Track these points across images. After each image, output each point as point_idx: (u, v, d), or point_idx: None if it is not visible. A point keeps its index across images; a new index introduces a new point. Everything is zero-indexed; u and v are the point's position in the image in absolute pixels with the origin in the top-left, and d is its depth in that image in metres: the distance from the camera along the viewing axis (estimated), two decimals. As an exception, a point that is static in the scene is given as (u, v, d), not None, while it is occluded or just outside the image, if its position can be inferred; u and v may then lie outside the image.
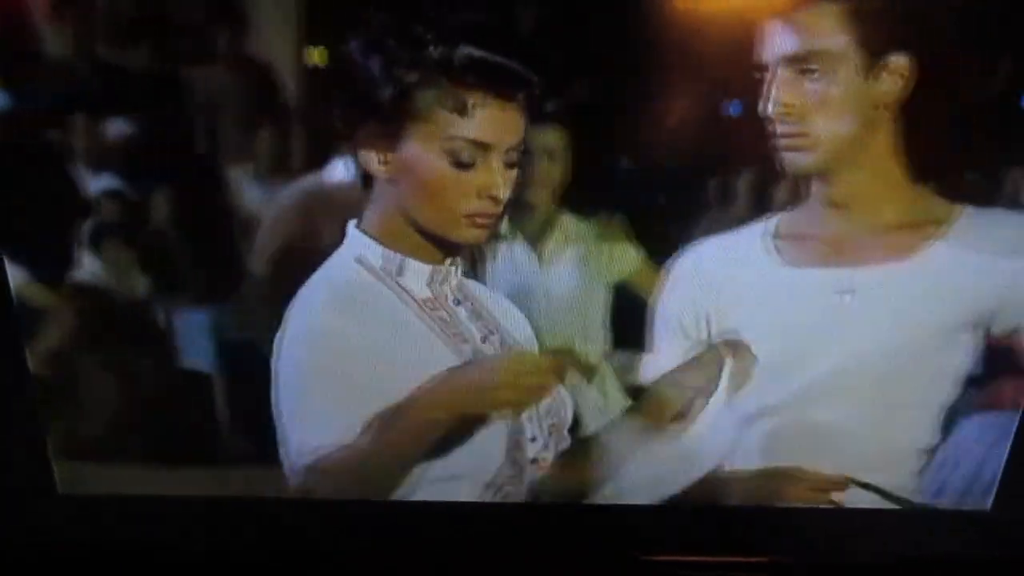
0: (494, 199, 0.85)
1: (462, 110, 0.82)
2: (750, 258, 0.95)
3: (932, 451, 1.00)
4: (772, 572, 1.07)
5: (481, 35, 0.81)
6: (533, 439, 0.93)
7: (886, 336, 0.93)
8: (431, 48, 0.81)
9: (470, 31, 0.81)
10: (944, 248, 0.92)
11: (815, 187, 0.92)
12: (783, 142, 0.88)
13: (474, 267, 0.97)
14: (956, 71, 0.86)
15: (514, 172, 0.88)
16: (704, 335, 0.98)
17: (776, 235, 0.95)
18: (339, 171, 0.95)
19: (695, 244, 0.96)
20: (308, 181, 0.96)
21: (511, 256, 0.98)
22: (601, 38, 0.89)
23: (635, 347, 1.00)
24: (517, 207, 0.97)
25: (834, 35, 0.84)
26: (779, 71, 0.86)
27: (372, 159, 0.86)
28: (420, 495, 0.93)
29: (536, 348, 0.97)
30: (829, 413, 0.96)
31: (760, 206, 0.95)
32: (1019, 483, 0.99)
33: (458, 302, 0.92)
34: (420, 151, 0.84)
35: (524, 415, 0.92)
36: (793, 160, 0.89)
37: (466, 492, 0.94)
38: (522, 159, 0.88)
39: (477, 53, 0.80)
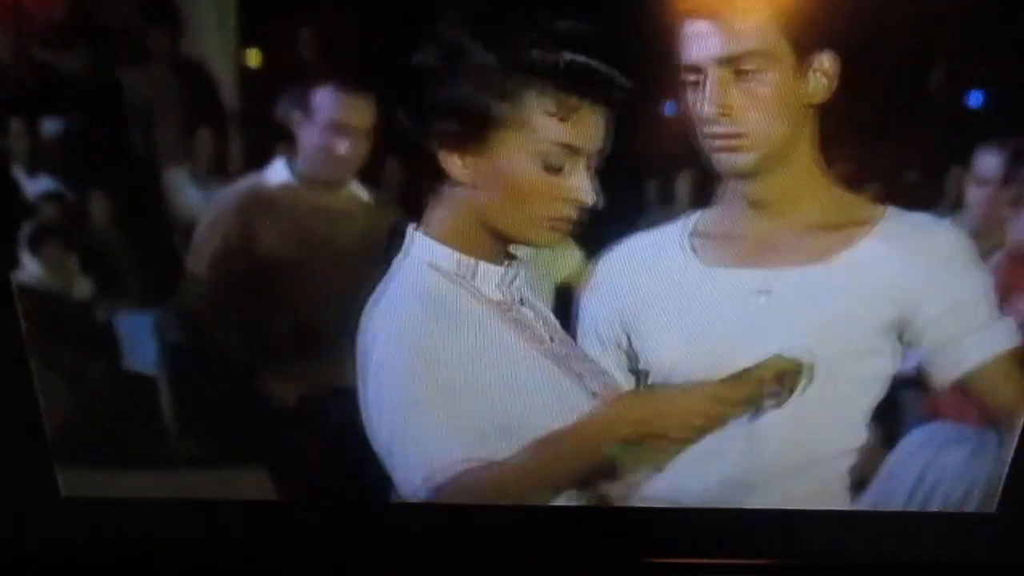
0: (581, 204, 0.86)
1: (563, 115, 0.82)
2: (668, 258, 0.94)
3: (859, 452, 1.00)
4: (776, 575, 1.07)
5: (583, 41, 0.81)
6: None
7: (803, 338, 0.93)
8: (534, 53, 0.81)
9: (574, 37, 0.81)
10: (863, 250, 0.92)
11: (736, 186, 0.92)
12: (718, 143, 0.88)
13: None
14: (879, 71, 0.87)
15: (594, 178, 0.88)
16: (616, 338, 0.97)
17: (694, 234, 0.95)
18: (279, 172, 0.96)
19: (616, 244, 0.96)
20: (245, 182, 0.96)
21: None
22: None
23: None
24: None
25: (767, 35, 0.84)
26: (714, 72, 0.86)
27: (455, 163, 0.86)
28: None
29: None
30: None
31: (681, 204, 0.95)
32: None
33: (523, 302, 0.93)
34: (512, 155, 0.84)
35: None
36: (728, 161, 0.89)
37: None
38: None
39: (581, 59, 0.80)
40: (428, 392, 0.88)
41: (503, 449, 0.91)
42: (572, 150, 0.84)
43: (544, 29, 0.81)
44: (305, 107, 0.92)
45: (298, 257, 0.98)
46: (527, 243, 0.90)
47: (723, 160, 0.89)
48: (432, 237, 0.90)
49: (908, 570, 1.09)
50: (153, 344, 1.04)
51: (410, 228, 0.91)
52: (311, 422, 1.06)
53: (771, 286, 0.92)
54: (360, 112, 0.91)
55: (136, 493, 1.07)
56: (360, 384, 0.93)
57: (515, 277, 0.92)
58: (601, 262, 0.96)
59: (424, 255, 0.90)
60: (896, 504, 1.04)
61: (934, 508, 1.02)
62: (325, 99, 0.92)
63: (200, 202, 0.97)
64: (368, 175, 0.95)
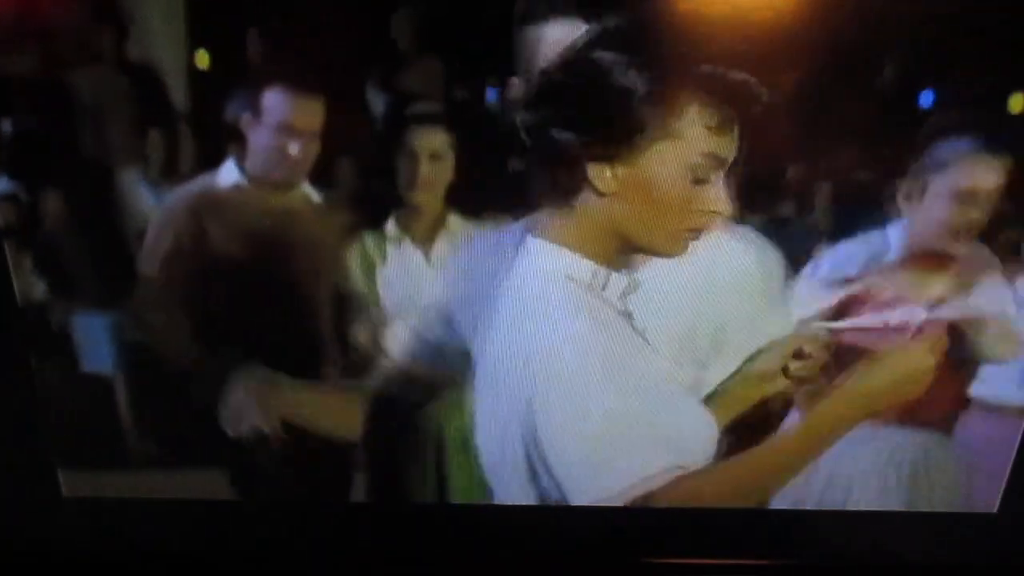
0: (718, 214, 0.86)
1: (721, 128, 0.83)
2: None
3: None
4: (777, 575, 1.07)
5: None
6: None
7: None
8: (704, 69, 0.82)
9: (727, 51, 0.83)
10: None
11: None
12: None
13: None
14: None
15: None
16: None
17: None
18: (229, 174, 0.96)
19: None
20: (196, 184, 0.96)
21: (400, 259, 0.99)
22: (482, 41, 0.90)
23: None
24: (403, 210, 0.98)
25: None
26: None
27: (604, 174, 0.85)
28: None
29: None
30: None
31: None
32: None
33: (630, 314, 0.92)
34: (663, 167, 0.84)
35: None
36: None
37: None
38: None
39: (742, 75, 0.81)
40: (629, 401, 0.88)
41: (692, 454, 0.91)
42: (719, 161, 0.84)
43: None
44: (255, 109, 0.93)
45: (250, 258, 0.98)
46: (659, 253, 0.89)
47: None
48: (564, 247, 0.89)
49: (909, 570, 1.09)
50: (109, 346, 1.04)
51: (536, 238, 0.90)
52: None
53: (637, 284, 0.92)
54: (310, 114, 0.92)
55: (109, 493, 1.07)
56: (505, 400, 0.91)
57: (633, 286, 0.91)
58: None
59: (556, 265, 0.88)
60: (811, 503, 1.04)
61: (852, 507, 1.03)
62: (275, 101, 0.93)
63: (152, 203, 0.97)
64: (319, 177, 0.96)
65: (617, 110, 0.82)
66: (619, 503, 0.89)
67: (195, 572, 1.12)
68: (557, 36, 0.83)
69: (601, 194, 0.86)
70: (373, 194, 0.97)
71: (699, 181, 0.85)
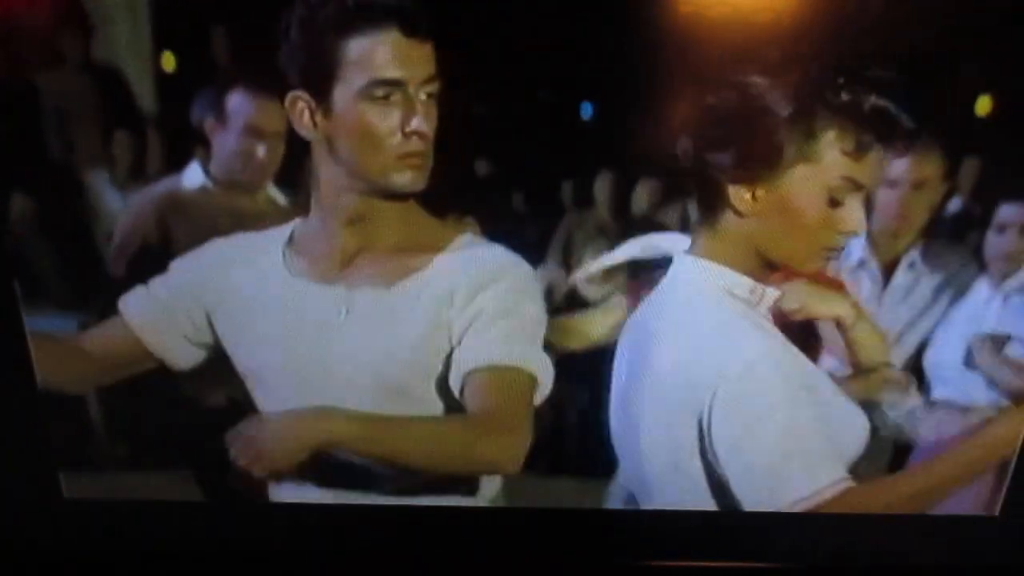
0: (853, 234, 0.88)
1: (859, 152, 0.84)
2: (263, 262, 0.95)
3: None
4: None
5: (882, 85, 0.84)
6: None
7: (377, 360, 0.92)
8: (844, 95, 0.83)
9: (877, 82, 0.84)
10: (424, 276, 0.92)
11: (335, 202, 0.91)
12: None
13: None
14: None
15: None
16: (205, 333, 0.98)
17: (289, 243, 0.95)
18: (194, 176, 0.96)
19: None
20: (162, 185, 0.96)
21: None
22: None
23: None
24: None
25: None
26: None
27: (744, 196, 0.88)
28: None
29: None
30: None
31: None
32: None
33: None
34: (802, 189, 0.86)
35: None
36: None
37: None
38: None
39: (883, 102, 0.83)
40: (811, 414, 0.89)
41: (853, 451, 0.93)
42: (856, 185, 0.86)
43: (855, 74, 0.84)
44: (220, 111, 0.93)
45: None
46: (796, 269, 0.92)
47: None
48: (721, 263, 0.91)
49: (911, 573, 1.09)
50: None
51: (691, 256, 0.92)
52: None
53: (349, 305, 0.92)
54: (274, 116, 0.92)
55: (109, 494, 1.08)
56: (674, 414, 0.92)
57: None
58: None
59: (716, 281, 0.91)
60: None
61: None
62: (240, 103, 0.93)
63: (120, 206, 0.97)
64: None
65: (760, 133, 0.85)
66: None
67: (193, 572, 1.12)
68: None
69: (740, 215, 0.88)
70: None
71: (836, 204, 0.86)
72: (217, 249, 0.95)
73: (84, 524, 1.07)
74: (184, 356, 0.98)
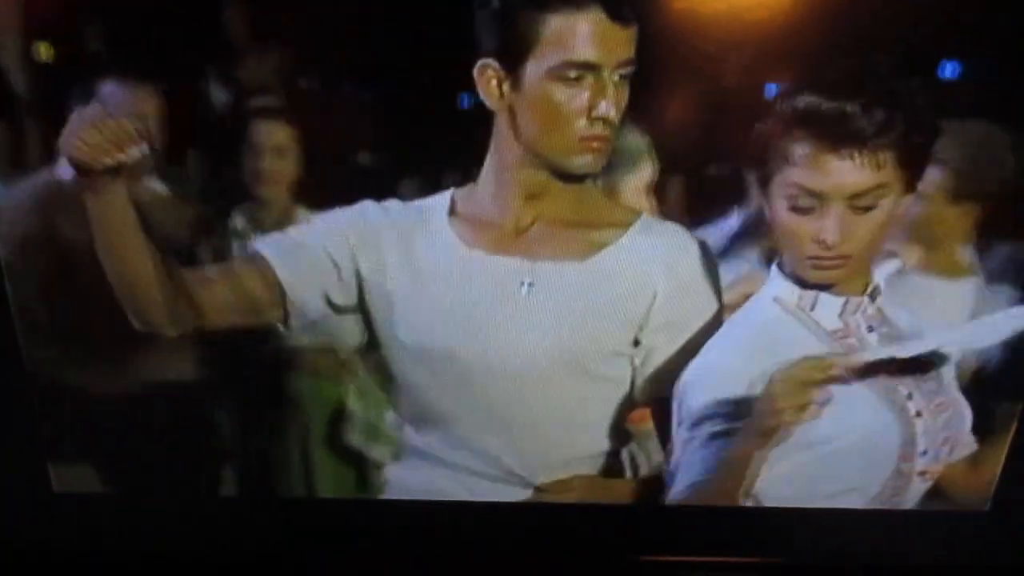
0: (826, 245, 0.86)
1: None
2: (431, 228, 0.93)
3: (607, 455, 0.99)
4: (766, 573, 1.07)
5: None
6: (924, 452, 0.91)
7: (563, 332, 0.91)
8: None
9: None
10: (616, 253, 0.92)
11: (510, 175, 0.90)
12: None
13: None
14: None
15: None
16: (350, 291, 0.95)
17: (452, 212, 0.93)
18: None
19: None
20: (42, 177, 0.95)
21: None
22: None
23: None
24: (252, 203, 0.98)
25: None
26: None
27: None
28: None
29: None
30: (510, 401, 0.94)
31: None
32: (1016, 487, 0.99)
33: (871, 329, 0.92)
34: (774, 198, 0.88)
35: (920, 429, 0.91)
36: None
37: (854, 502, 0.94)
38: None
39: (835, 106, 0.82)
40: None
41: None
42: (812, 193, 0.84)
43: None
44: (94, 100, 0.92)
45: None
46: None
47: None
48: (781, 272, 0.91)
49: (900, 569, 1.09)
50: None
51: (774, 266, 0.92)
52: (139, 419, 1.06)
53: (533, 277, 0.91)
54: (147, 104, 0.91)
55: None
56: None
57: (861, 305, 0.91)
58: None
59: (771, 290, 0.91)
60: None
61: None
62: (112, 92, 0.92)
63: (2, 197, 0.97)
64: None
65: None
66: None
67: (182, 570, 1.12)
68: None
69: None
70: (219, 188, 0.96)
71: (802, 211, 0.85)
72: (372, 210, 0.93)
73: (73, 518, 1.08)
74: (312, 308, 0.93)
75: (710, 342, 0.92)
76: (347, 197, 0.95)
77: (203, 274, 0.93)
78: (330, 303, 0.94)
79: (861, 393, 0.90)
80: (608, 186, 0.94)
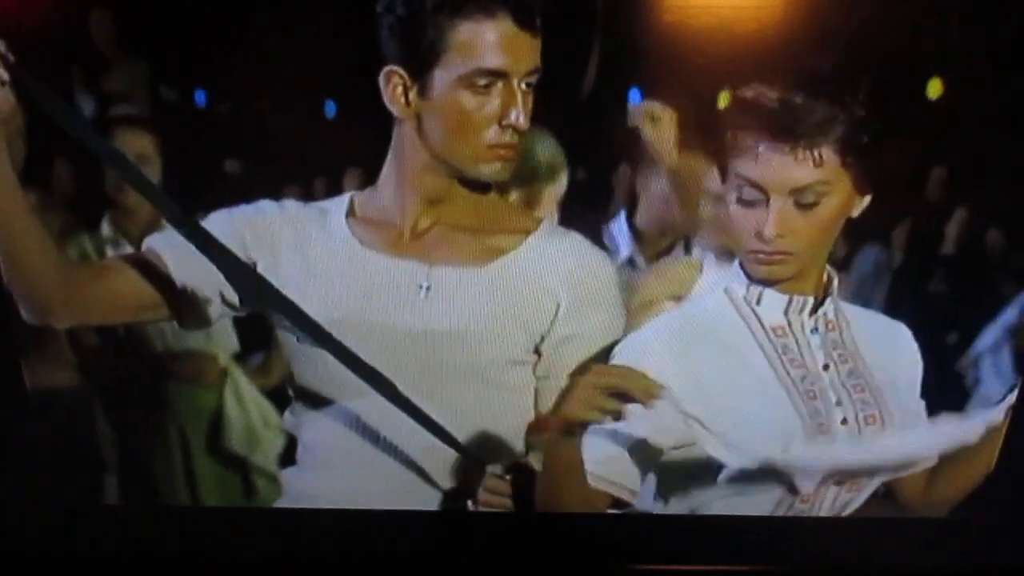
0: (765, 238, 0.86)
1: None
2: (328, 227, 0.91)
3: None
4: None
5: None
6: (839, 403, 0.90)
7: (460, 338, 0.90)
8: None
9: None
10: (515, 260, 0.90)
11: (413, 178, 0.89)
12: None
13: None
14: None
15: None
16: None
17: (351, 213, 0.92)
18: None
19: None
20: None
21: None
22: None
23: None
24: (117, 211, 0.98)
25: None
26: None
27: None
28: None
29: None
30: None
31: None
32: (1004, 490, 0.97)
33: (815, 330, 0.90)
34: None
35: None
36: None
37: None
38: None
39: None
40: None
41: None
42: (754, 185, 0.84)
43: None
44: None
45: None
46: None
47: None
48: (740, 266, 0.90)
49: (888, 574, 1.09)
50: None
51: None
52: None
53: (430, 281, 0.90)
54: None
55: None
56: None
57: (806, 305, 0.89)
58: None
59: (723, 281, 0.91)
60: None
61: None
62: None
63: None
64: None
65: None
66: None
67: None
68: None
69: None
70: (85, 195, 0.96)
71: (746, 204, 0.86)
72: (269, 208, 0.91)
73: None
74: (209, 306, 0.91)
75: (652, 320, 0.91)
76: (214, 204, 0.95)
77: (97, 266, 0.92)
78: (225, 301, 0.92)
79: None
80: (511, 193, 0.95)
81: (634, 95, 0.98)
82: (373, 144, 0.93)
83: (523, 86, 0.83)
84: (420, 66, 0.82)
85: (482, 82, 0.82)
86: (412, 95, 0.83)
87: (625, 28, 0.96)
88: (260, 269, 0.89)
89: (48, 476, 1.06)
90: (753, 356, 0.88)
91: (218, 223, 0.89)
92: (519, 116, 0.82)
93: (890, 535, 1.00)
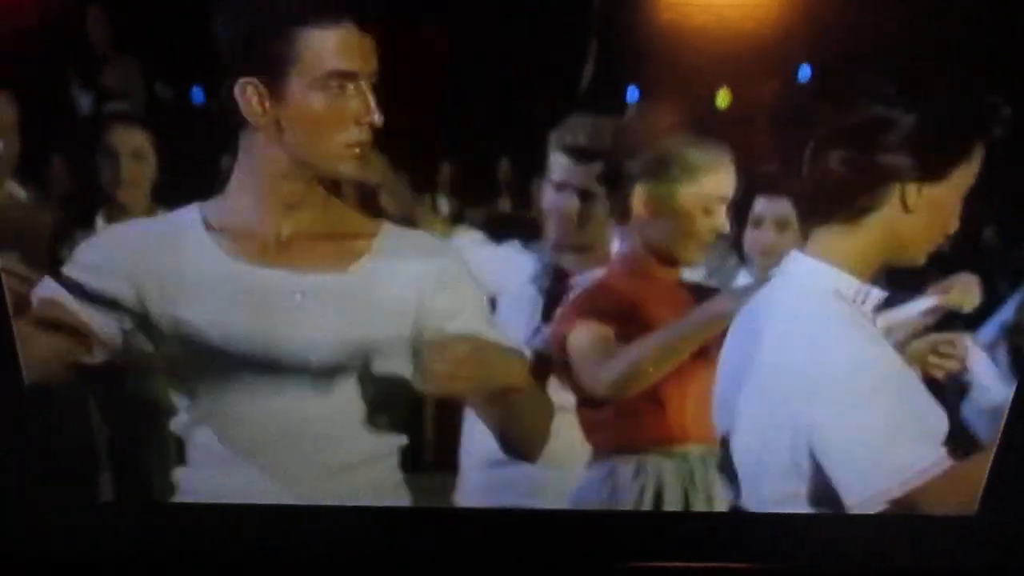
0: None
1: None
2: (191, 244, 0.93)
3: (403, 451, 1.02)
4: None
5: None
6: None
7: (342, 340, 0.94)
8: None
9: None
10: (373, 260, 0.95)
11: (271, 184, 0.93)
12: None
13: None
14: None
15: None
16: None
17: (207, 226, 0.94)
18: None
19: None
20: None
21: None
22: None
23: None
24: (112, 207, 0.98)
25: None
26: None
27: (914, 191, 0.90)
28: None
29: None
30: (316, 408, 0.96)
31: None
32: (1004, 488, 0.99)
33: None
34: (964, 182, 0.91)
35: None
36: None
37: None
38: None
39: None
40: (908, 405, 0.93)
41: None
42: None
43: None
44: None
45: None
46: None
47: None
48: (834, 263, 0.93)
49: (888, 573, 1.09)
50: None
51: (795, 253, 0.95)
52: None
53: (303, 288, 0.94)
54: (4, 108, 0.91)
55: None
56: (768, 411, 0.95)
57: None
58: None
59: (826, 281, 0.92)
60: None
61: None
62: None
63: None
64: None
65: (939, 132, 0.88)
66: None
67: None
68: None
69: (908, 211, 0.89)
70: (80, 192, 0.96)
71: None
72: (129, 233, 0.94)
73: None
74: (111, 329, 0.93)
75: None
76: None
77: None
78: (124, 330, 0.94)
79: None
80: (350, 195, 0.98)
81: (632, 93, 0.98)
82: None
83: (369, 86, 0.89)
84: (274, 75, 0.87)
85: (335, 84, 0.87)
86: (268, 104, 0.87)
87: (623, 26, 0.95)
88: (143, 295, 0.93)
89: (41, 473, 1.06)
90: None
91: (91, 259, 0.92)
92: (373, 113, 0.88)
93: (892, 533, 1.00)
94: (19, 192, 0.96)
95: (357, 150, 0.89)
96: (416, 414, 1.04)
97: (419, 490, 1.04)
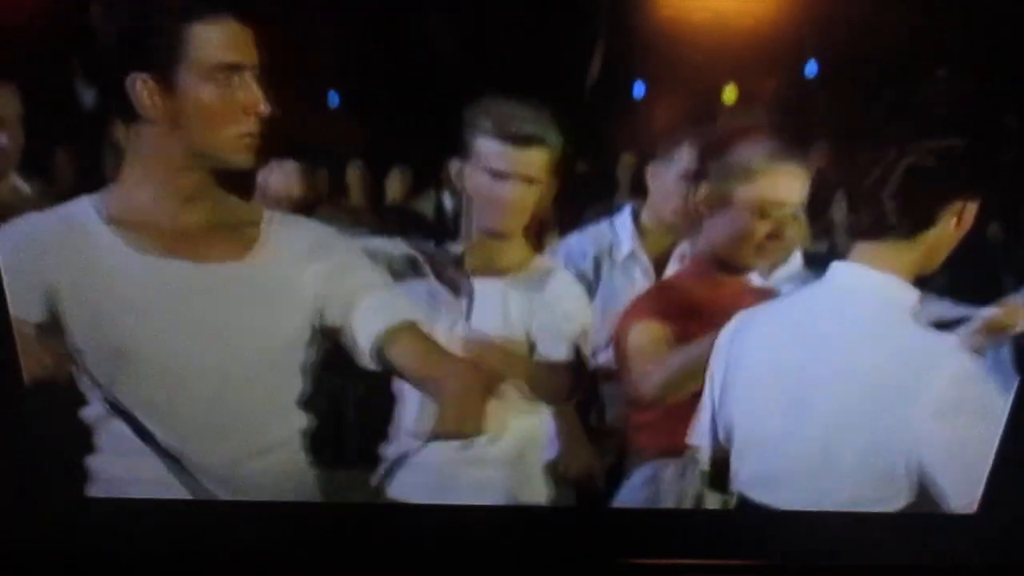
0: None
1: None
2: (95, 239, 0.94)
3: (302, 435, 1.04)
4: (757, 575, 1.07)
5: None
6: None
7: (244, 330, 0.97)
8: None
9: None
10: (264, 248, 0.98)
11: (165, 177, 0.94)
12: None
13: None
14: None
15: None
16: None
17: (108, 220, 0.94)
18: None
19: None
20: None
21: None
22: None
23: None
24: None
25: None
26: None
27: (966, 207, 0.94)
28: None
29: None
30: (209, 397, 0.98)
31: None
32: (1004, 487, 1.00)
33: None
34: None
35: None
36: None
37: None
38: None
39: None
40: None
41: None
42: None
43: None
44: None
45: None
46: None
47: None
48: (889, 273, 0.95)
49: (888, 571, 1.09)
50: None
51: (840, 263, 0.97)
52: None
53: (204, 278, 0.95)
54: (8, 103, 0.91)
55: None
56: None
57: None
58: None
59: (890, 291, 0.95)
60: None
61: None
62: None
63: None
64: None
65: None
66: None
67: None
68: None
69: (960, 227, 0.94)
70: (86, 186, 0.96)
71: None
72: (24, 229, 0.93)
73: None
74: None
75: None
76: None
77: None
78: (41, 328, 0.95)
79: None
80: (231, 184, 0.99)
81: (638, 88, 0.98)
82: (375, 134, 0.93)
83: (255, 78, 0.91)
84: (163, 70, 0.88)
85: (222, 76, 0.89)
86: (159, 98, 0.89)
87: (629, 21, 0.96)
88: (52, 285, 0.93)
89: (32, 469, 1.05)
90: None
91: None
92: (261, 104, 0.90)
93: (892, 532, 1.01)
94: (24, 186, 0.96)
95: (248, 140, 0.92)
96: (335, 401, 1.07)
97: (336, 482, 1.06)
